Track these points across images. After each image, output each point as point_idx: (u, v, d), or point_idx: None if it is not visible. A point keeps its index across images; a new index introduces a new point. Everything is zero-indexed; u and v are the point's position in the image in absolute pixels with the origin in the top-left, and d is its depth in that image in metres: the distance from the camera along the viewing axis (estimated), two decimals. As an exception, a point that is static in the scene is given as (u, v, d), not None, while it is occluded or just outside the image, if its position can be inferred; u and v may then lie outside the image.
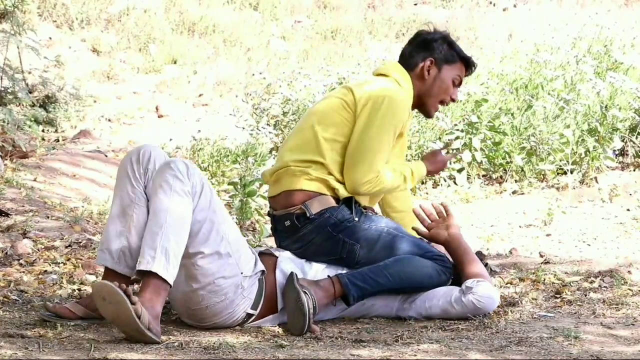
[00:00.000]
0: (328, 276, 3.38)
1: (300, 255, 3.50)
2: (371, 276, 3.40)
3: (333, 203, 3.51)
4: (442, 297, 3.46)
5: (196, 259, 3.20)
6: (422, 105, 3.72)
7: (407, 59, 3.71)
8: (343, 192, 3.52)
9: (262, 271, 3.37)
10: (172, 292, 3.30)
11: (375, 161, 3.48)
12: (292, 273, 3.32)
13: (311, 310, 3.21)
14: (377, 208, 3.80)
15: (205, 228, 3.20)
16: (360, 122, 3.51)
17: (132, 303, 2.95)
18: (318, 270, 3.46)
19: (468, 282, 3.44)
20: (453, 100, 3.74)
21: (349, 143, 3.52)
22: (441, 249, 3.64)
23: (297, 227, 3.49)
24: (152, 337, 2.98)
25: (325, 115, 3.57)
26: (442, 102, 3.73)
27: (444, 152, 3.83)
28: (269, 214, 3.64)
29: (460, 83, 3.73)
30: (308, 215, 3.48)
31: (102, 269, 3.42)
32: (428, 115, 3.77)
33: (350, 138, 3.52)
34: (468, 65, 3.75)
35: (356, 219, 3.50)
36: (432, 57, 3.67)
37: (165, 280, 3.08)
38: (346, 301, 3.39)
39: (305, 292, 3.22)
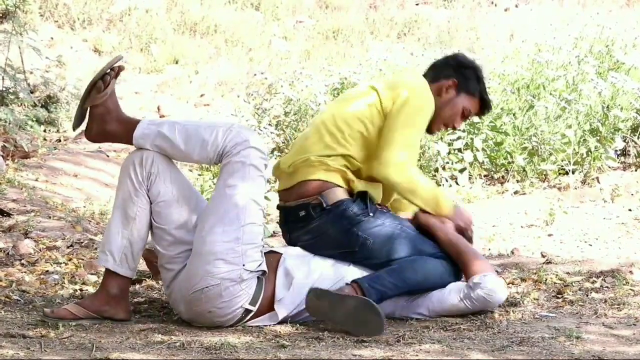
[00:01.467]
0: (346, 283, 3.38)
1: (309, 247, 3.50)
2: (390, 280, 3.40)
3: (348, 195, 3.51)
4: (450, 293, 3.45)
5: (207, 233, 3.23)
6: None
7: (434, 71, 3.75)
8: (358, 185, 3.53)
9: (264, 272, 3.37)
10: (173, 279, 3.32)
11: (409, 144, 3.49)
12: (317, 289, 3.29)
13: (379, 309, 3.21)
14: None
15: (228, 205, 3.24)
16: (396, 106, 3.52)
17: (104, 86, 3.30)
18: (325, 267, 3.46)
19: (475, 279, 3.43)
20: (454, 128, 3.77)
21: (384, 126, 3.52)
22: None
23: (312, 217, 3.49)
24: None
25: (347, 109, 3.59)
26: (445, 126, 3.75)
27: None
28: (278, 207, 3.64)
29: (468, 116, 3.76)
30: (324, 205, 3.48)
31: (103, 269, 3.42)
32: (430, 131, 3.78)
33: (371, 132, 3.53)
34: (484, 106, 3.77)
35: (371, 214, 3.50)
36: (457, 79, 3.69)
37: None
38: None
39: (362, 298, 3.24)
